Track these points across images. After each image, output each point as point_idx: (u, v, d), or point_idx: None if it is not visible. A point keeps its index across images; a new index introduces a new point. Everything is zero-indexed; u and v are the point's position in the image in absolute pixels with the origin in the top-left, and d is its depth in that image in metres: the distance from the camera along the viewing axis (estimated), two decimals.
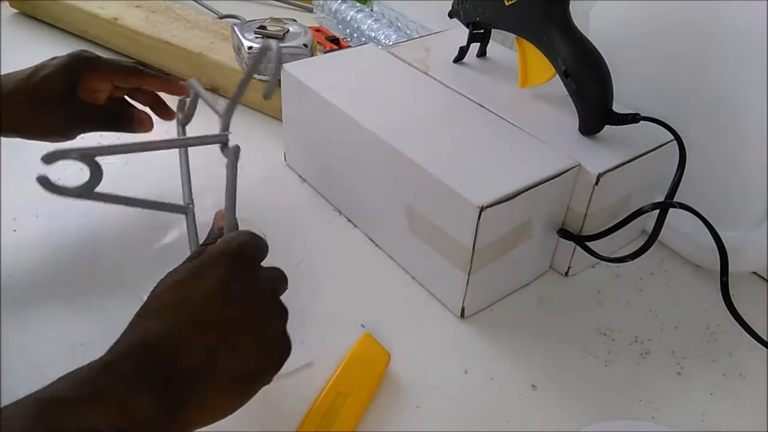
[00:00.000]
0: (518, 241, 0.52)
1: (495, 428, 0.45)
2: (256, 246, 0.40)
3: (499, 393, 0.48)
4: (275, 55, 0.45)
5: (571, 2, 0.54)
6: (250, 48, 0.74)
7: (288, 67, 0.63)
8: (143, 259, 0.56)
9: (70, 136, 0.56)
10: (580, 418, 0.46)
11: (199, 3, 1.03)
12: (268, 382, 0.37)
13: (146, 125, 0.59)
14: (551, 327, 0.53)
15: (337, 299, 0.54)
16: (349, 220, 0.63)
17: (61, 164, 0.42)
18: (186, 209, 0.52)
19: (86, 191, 0.44)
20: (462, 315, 0.53)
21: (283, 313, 0.39)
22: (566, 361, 0.50)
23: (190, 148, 0.56)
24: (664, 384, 0.49)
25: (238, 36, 0.76)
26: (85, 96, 0.55)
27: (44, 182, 0.42)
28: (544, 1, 0.54)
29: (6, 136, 0.54)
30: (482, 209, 0.46)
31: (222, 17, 1.00)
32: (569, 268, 0.57)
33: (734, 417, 0.47)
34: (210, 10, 1.02)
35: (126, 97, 0.60)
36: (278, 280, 0.41)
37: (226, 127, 0.49)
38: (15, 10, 0.97)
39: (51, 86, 0.53)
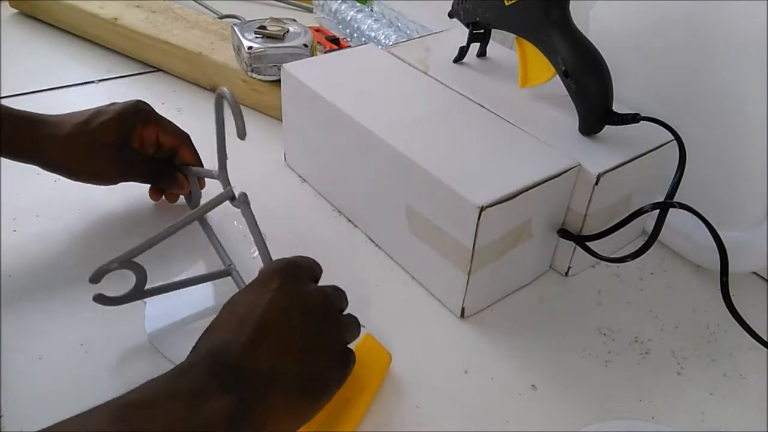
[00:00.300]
0: (518, 241, 0.52)
1: (495, 428, 0.45)
2: (304, 263, 0.44)
3: (499, 393, 0.48)
4: (230, 100, 0.48)
5: (571, 2, 0.54)
6: (250, 48, 0.74)
7: (288, 67, 0.63)
8: (143, 259, 0.56)
9: (115, 181, 0.58)
10: (580, 418, 0.46)
11: (199, 3, 1.03)
12: (330, 392, 0.40)
13: (184, 189, 0.61)
14: (551, 327, 0.53)
15: None
16: (349, 220, 0.63)
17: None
18: (230, 271, 0.55)
19: (138, 292, 0.48)
20: (462, 315, 0.53)
21: (339, 326, 0.42)
22: (566, 361, 0.50)
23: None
24: (664, 384, 0.49)
25: (238, 36, 0.76)
26: (136, 145, 0.57)
27: (101, 299, 0.47)
28: (544, 1, 0.54)
29: (53, 172, 0.56)
30: (482, 209, 0.46)
31: (222, 17, 1.00)
32: (569, 268, 0.57)
33: (734, 417, 0.47)
34: (210, 10, 1.02)
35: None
36: (334, 295, 0.43)
37: (226, 183, 0.52)
38: (15, 10, 0.97)
39: (107, 133, 0.55)
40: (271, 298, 0.39)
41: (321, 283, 0.44)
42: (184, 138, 0.59)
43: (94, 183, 0.57)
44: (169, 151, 0.59)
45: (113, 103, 0.57)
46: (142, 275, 0.48)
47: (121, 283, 0.47)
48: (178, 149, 0.59)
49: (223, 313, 0.40)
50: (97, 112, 0.56)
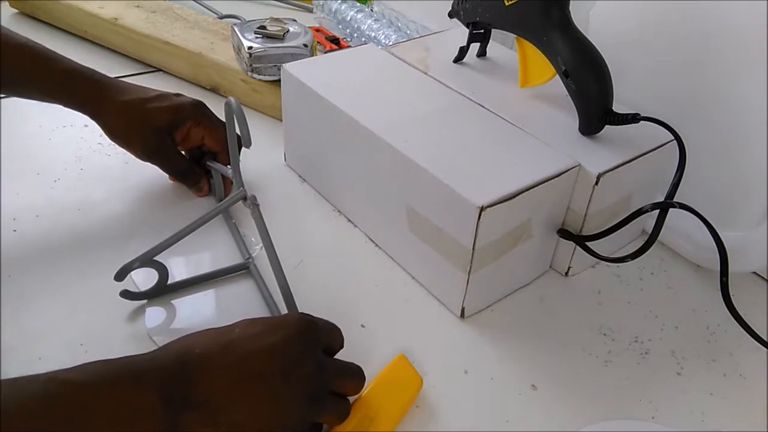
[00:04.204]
0: (518, 241, 0.52)
1: (495, 428, 0.45)
2: (326, 330, 0.43)
3: (499, 393, 0.48)
4: (237, 111, 0.48)
5: (571, 2, 0.54)
6: (250, 48, 0.74)
7: (288, 67, 0.63)
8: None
9: (143, 159, 0.61)
10: (580, 418, 0.46)
11: (199, 3, 1.03)
12: None
13: (203, 194, 0.64)
14: (551, 327, 0.53)
15: (337, 299, 0.54)
16: (349, 220, 0.63)
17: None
18: (248, 265, 0.56)
19: (161, 288, 0.52)
20: (462, 315, 0.53)
21: (320, 406, 0.39)
22: (566, 361, 0.50)
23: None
24: (664, 384, 0.49)
25: (238, 36, 0.76)
26: (177, 138, 0.61)
27: (127, 295, 0.50)
28: (544, 1, 0.54)
29: (99, 125, 0.59)
30: (482, 209, 0.46)
31: (222, 17, 1.00)
32: (569, 268, 0.57)
33: (734, 417, 0.47)
34: (210, 10, 1.02)
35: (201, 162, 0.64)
36: (337, 372, 0.41)
37: (239, 184, 0.54)
38: (15, 10, 0.97)
39: (158, 117, 0.59)
40: (271, 342, 0.39)
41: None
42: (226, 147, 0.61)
43: (126, 150, 0.61)
44: (209, 153, 0.63)
45: (179, 95, 0.61)
46: (163, 272, 0.51)
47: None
48: (219, 155, 0.62)
49: (227, 327, 0.40)
50: (161, 96, 0.60)
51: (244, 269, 0.56)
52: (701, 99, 0.56)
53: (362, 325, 0.52)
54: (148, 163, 0.61)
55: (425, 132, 0.55)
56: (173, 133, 0.60)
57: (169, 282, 0.52)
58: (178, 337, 0.39)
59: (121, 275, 0.48)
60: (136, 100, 0.59)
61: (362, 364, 0.43)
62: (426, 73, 0.64)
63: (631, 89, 0.58)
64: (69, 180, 0.64)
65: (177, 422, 0.35)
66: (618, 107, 0.54)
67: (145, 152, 0.60)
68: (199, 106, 0.61)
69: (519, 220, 0.50)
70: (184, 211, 0.62)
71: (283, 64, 0.64)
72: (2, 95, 0.75)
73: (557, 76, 0.55)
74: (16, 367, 0.46)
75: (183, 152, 0.63)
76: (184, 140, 0.61)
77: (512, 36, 0.59)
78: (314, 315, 0.43)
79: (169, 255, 0.50)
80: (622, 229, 0.53)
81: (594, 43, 0.54)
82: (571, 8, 0.54)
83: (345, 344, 0.44)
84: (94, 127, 0.59)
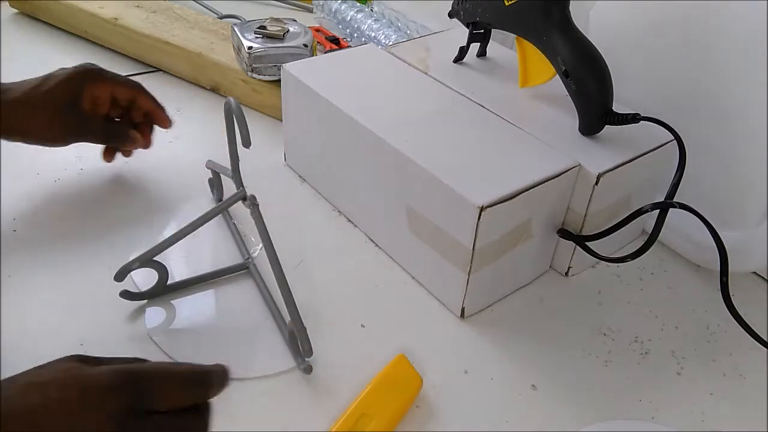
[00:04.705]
0: (518, 241, 0.52)
1: (495, 428, 0.45)
2: (160, 383, 0.33)
3: (499, 393, 0.48)
4: (236, 110, 0.49)
5: (571, 2, 0.54)
6: (250, 48, 0.74)
7: (288, 67, 0.63)
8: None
9: (67, 142, 0.59)
10: (580, 418, 0.46)
11: (199, 3, 1.03)
12: None
13: (139, 142, 0.62)
14: (551, 327, 0.53)
15: (337, 299, 0.54)
16: (349, 220, 0.63)
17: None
18: (248, 265, 0.56)
19: (161, 288, 0.52)
20: (462, 315, 0.53)
21: None
22: (566, 361, 0.50)
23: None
24: (664, 384, 0.49)
25: (238, 36, 0.76)
26: (86, 106, 0.58)
27: (127, 295, 0.51)
28: (544, 1, 0.54)
29: (7, 139, 0.57)
30: (482, 209, 0.46)
31: (222, 17, 1.00)
32: (569, 268, 0.57)
33: (734, 417, 0.47)
34: (210, 10, 1.02)
35: (124, 117, 0.63)
36: None
37: (239, 183, 0.54)
38: (15, 10, 0.97)
39: (58, 94, 0.56)
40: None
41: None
42: (138, 86, 0.61)
43: (48, 145, 0.58)
44: (127, 105, 0.61)
45: (62, 69, 0.59)
46: (163, 272, 0.51)
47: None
48: (136, 98, 0.61)
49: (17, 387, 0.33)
50: (48, 76, 0.58)
51: (244, 269, 0.56)
52: (701, 99, 0.56)
53: (362, 325, 0.52)
54: (125, 158, 0.60)
55: (425, 132, 0.55)
56: (79, 104, 0.58)
57: (169, 282, 0.52)
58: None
59: (121, 275, 0.48)
60: (27, 91, 0.56)
61: (362, 364, 0.43)
62: (426, 73, 0.64)
63: (631, 89, 0.58)
64: (69, 180, 0.64)
65: None
66: (618, 107, 0.54)
67: (64, 135, 0.58)
68: (89, 66, 0.59)
69: (519, 220, 0.50)
70: (184, 211, 0.62)
71: (283, 64, 0.64)
72: None
73: (557, 76, 0.55)
74: (16, 367, 0.46)
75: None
76: (94, 106, 0.59)
77: (512, 36, 0.59)
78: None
79: (169, 255, 0.50)
80: (622, 229, 0.53)
81: (594, 43, 0.54)
82: (571, 8, 0.54)
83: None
84: None
